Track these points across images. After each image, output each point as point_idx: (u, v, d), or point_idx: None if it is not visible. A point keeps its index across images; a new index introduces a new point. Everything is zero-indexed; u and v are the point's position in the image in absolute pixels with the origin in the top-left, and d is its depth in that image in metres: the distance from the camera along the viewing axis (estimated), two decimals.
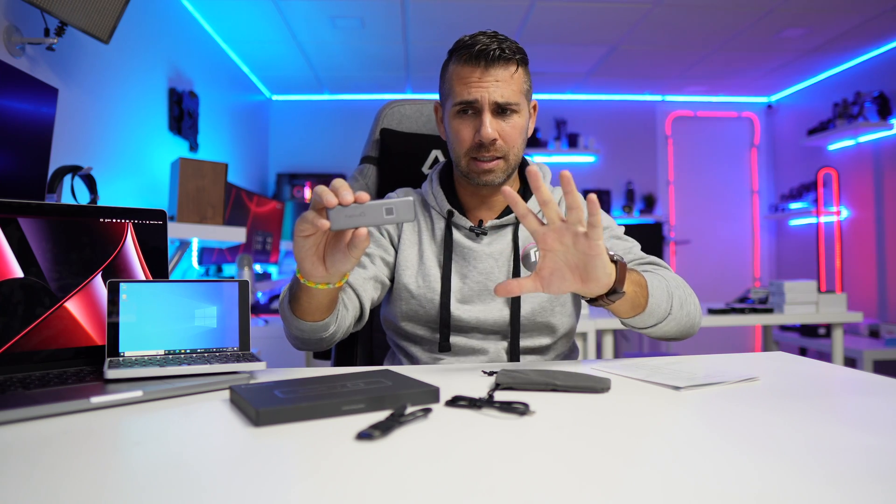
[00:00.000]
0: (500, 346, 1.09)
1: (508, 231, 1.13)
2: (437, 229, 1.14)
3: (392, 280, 1.15)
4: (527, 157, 1.20)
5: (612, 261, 0.82)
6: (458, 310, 1.09)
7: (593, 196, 0.74)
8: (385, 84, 4.88)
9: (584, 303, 1.25)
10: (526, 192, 1.16)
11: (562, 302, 1.12)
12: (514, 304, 1.08)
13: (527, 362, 1.09)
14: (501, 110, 1.04)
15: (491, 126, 1.02)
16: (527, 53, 1.08)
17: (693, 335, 1.03)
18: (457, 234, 1.13)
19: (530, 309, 1.08)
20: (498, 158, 1.05)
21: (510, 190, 0.79)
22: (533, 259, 1.09)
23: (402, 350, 1.15)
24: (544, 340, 1.11)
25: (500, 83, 1.02)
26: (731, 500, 0.42)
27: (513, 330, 1.08)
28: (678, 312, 0.97)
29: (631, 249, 1.11)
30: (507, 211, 1.14)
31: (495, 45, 1.01)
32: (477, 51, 1.01)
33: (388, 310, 1.16)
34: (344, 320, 1.00)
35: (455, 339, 1.09)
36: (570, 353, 1.19)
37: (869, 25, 3.71)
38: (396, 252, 1.15)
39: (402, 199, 0.76)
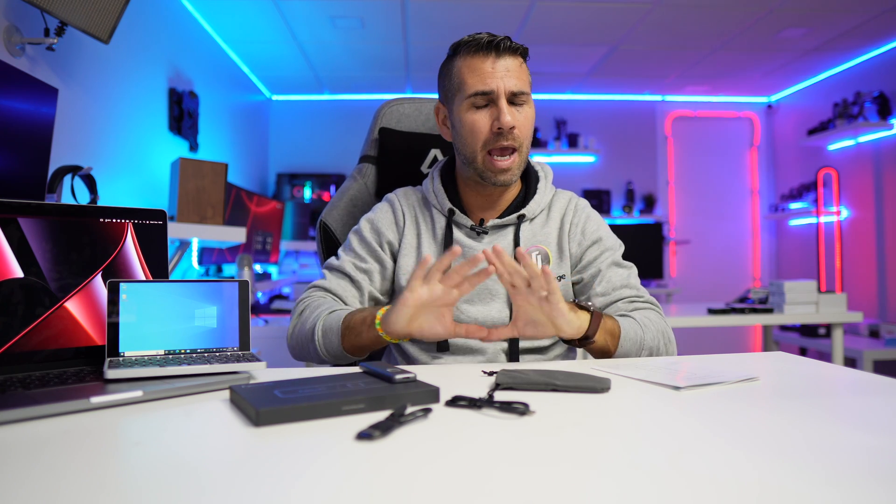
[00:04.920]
0: (498, 347, 1.10)
1: (510, 231, 1.13)
2: (438, 228, 1.15)
3: (391, 293, 1.17)
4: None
5: (588, 309, 0.93)
6: (457, 309, 1.09)
7: (547, 269, 0.85)
8: (385, 84, 4.88)
9: None
10: (528, 193, 1.16)
11: None
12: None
13: (526, 362, 1.09)
14: (515, 101, 1.04)
15: (510, 114, 1.03)
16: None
17: None
18: (457, 233, 1.13)
19: None
20: (514, 151, 1.05)
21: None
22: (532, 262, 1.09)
23: (400, 349, 1.15)
24: (543, 342, 1.11)
25: (512, 72, 1.03)
26: (731, 500, 0.42)
27: None
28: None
29: (628, 279, 1.11)
30: (509, 210, 1.14)
31: (502, 38, 1.04)
32: (487, 42, 1.03)
33: None
34: None
35: (453, 339, 1.09)
36: (569, 353, 1.19)
37: (869, 25, 3.70)
38: (396, 261, 1.16)
39: None
